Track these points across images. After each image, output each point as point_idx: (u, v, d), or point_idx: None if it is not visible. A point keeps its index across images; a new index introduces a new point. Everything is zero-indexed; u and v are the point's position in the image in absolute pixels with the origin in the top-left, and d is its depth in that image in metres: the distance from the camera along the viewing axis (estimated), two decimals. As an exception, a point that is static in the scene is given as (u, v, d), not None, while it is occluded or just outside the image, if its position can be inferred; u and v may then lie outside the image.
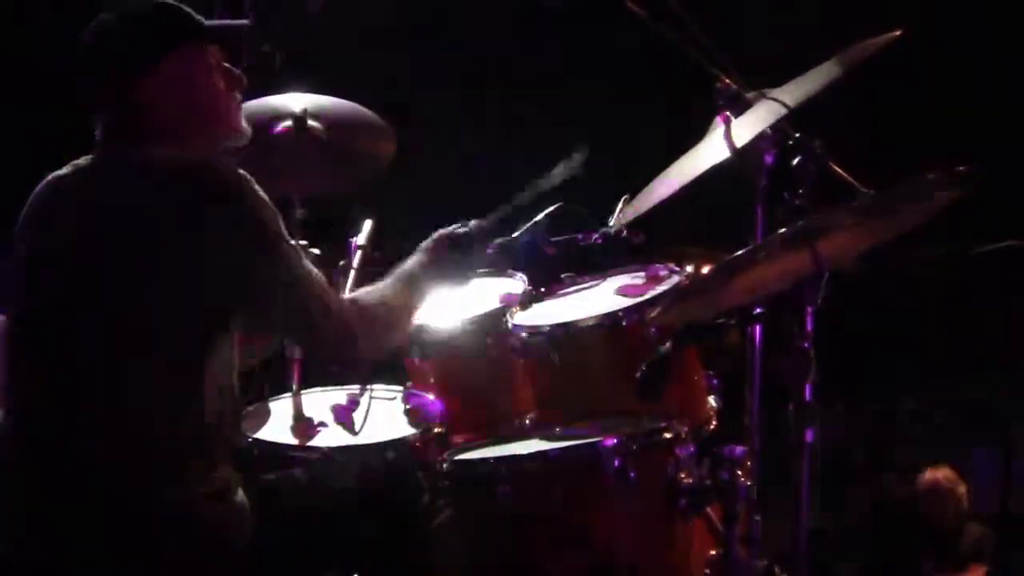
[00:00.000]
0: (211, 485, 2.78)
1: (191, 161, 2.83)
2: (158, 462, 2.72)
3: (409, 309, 3.18)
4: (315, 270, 2.94)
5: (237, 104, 3.05)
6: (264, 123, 4.03)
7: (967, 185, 2.79)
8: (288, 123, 4.03)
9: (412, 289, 3.18)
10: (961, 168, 2.76)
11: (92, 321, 2.76)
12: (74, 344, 2.77)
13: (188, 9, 2.98)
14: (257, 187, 2.83)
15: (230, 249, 2.77)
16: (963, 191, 2.82)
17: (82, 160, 2.94)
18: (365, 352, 3.02)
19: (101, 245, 2.78)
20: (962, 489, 7.35)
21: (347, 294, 3.74)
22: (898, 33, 3.10)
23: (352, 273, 4.06)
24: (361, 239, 4.13)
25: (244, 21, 3.08)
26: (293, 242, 2.91)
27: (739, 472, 3.07)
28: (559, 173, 3.46)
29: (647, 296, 3.43)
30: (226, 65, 3.02)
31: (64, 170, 2.94)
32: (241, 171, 2.83)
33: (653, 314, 3.24)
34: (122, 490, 2.70)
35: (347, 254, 4.10)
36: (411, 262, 3.23)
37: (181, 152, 2.85)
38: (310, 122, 4.03)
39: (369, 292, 3.13)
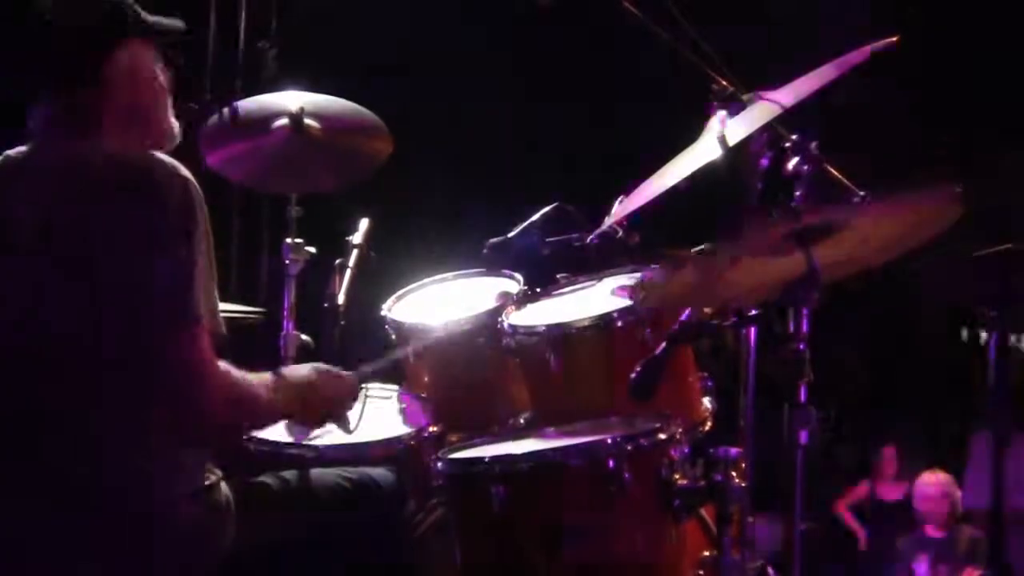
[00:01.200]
0: (190, 485, 2.77)
1: (123, 156, 2.77)
2: (132, 463, 2.70)
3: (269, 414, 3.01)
4: (208, 299, 2.74)
5: (169, 104, 2.99)
6: (260, 121, 4.04)
7: (962, 203, 2.77)
8: (284, 121, 4.03)
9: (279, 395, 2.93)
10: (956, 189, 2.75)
11: (41, 319, 2.70)
12: (29, 341, 2.73)
13: (136, 6, 2.94)
14: (192, 187, 2.72)
15: (128, 238, 2.67)
16: (958, 210, 2.80)
17: (12, 154, 2.87)
18: (211, 412, 2.72)
19: (42, 238, 2.71)
20: (957, 494, 7.38)
21: (342, 294, 3.74)
22: (895, 39, 3.11)
23: (348, 272, 4.07)
24: (357, 238, 4.14)
25: (179, 23, 3.05)
26: (202, 257, 2.70)
27: (733, 473, 3.06)
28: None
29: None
30: (163, 65, 2.98)
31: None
32: (180, 170, 2.74)
33: (640, 297, 3.23)
34: (97, 492, 2.67)
35: (343, 253, 4.11)
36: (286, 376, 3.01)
37: (121, 148, 2.80)
38: (306, 120, 4.04)
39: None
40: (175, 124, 2.99)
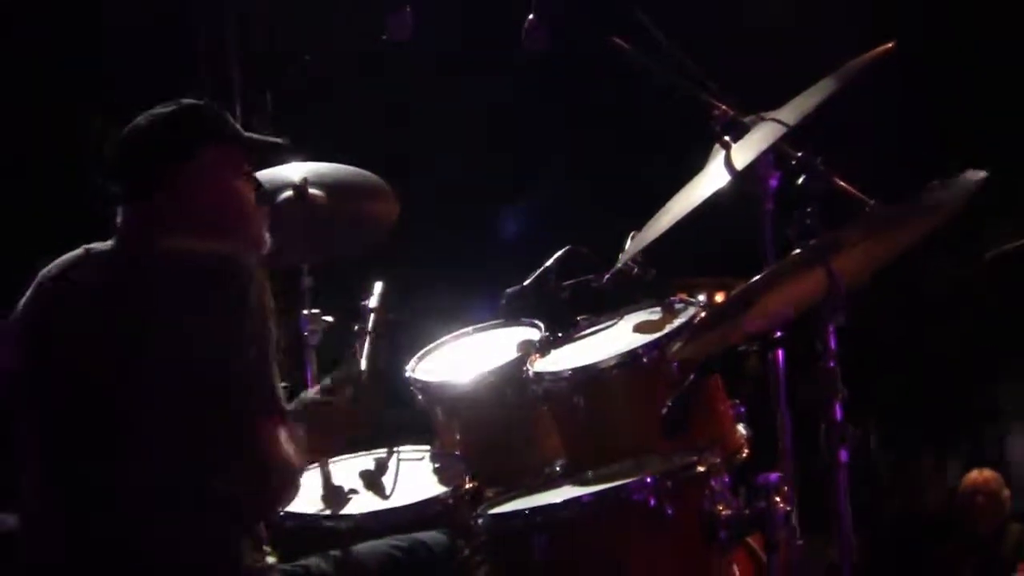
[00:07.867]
0: (256, 563, 2.78)
1: (207, 252, 2.87)
2: (190, 546, 2.70)
3: None
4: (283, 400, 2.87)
5: (260, 213, 3.10)
6: (264, 195, 4.04)
7: (975, 191, 2.77)
8: (289, 193, 4.03)
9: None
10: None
11: (113, 411, 2.75)
12: (100, 433, 2.77)
13: (224, 113, 3.07)
14: (267, 290, 2.83)
15: (219, 330, 2.77)
16: (971, 197, 2.80)
17: (96, 247, 2.94)
18: (277, 502, 2.95)
19: (126, 337, 2.78)
20: (1006, 493, 7.28)
21: (363, 360, 3.72)
22: (891, 45, 3.09)
23: (367, 337, 4.05)
24: (373, 302, 4.11)
25: (279, 139, 3.15)
26: (277, 359, 2.85)
27: (776, 499, 3.03)
28: None
29: (665, 331, 3.41)
30: (253, 174, 3.09)
31: (69, 260, 2.93)
32: (257, 269, 2.85)
33: (673, 350, 3.21)
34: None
35: (360, 318, 4.08)
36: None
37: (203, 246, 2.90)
38: (311, 190, 4.03)
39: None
40: (266, 234, 3.08)
